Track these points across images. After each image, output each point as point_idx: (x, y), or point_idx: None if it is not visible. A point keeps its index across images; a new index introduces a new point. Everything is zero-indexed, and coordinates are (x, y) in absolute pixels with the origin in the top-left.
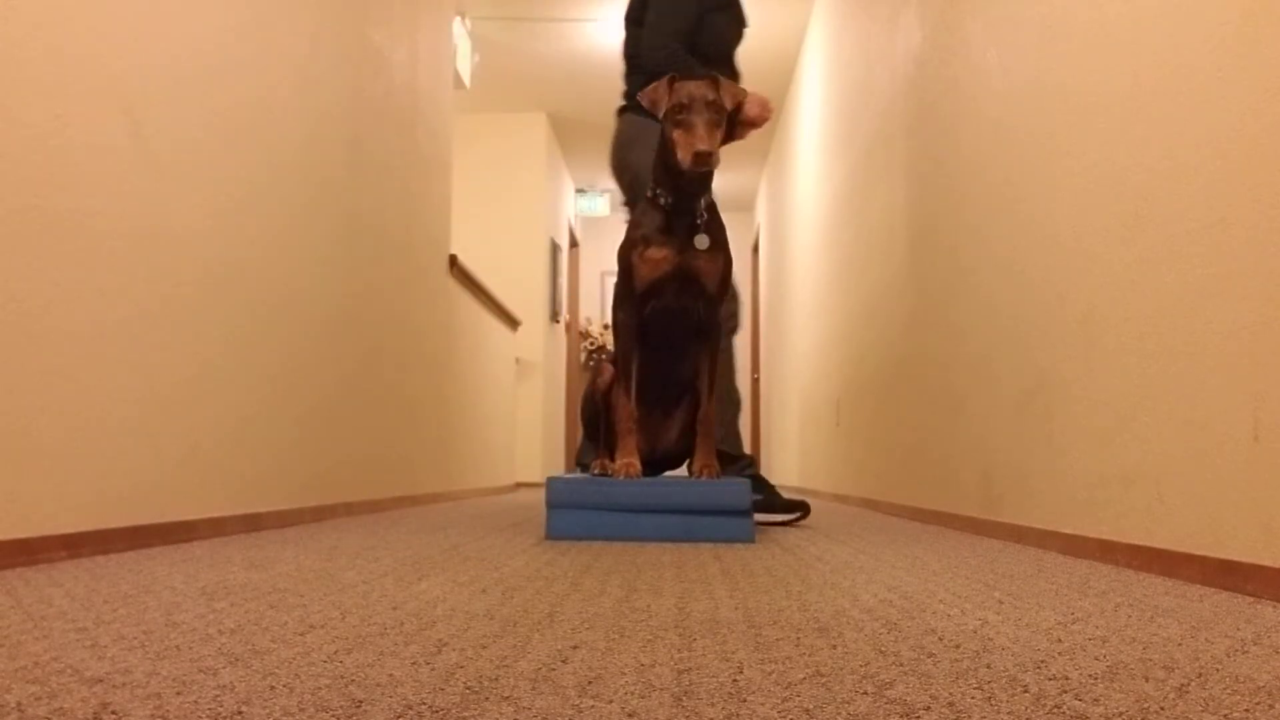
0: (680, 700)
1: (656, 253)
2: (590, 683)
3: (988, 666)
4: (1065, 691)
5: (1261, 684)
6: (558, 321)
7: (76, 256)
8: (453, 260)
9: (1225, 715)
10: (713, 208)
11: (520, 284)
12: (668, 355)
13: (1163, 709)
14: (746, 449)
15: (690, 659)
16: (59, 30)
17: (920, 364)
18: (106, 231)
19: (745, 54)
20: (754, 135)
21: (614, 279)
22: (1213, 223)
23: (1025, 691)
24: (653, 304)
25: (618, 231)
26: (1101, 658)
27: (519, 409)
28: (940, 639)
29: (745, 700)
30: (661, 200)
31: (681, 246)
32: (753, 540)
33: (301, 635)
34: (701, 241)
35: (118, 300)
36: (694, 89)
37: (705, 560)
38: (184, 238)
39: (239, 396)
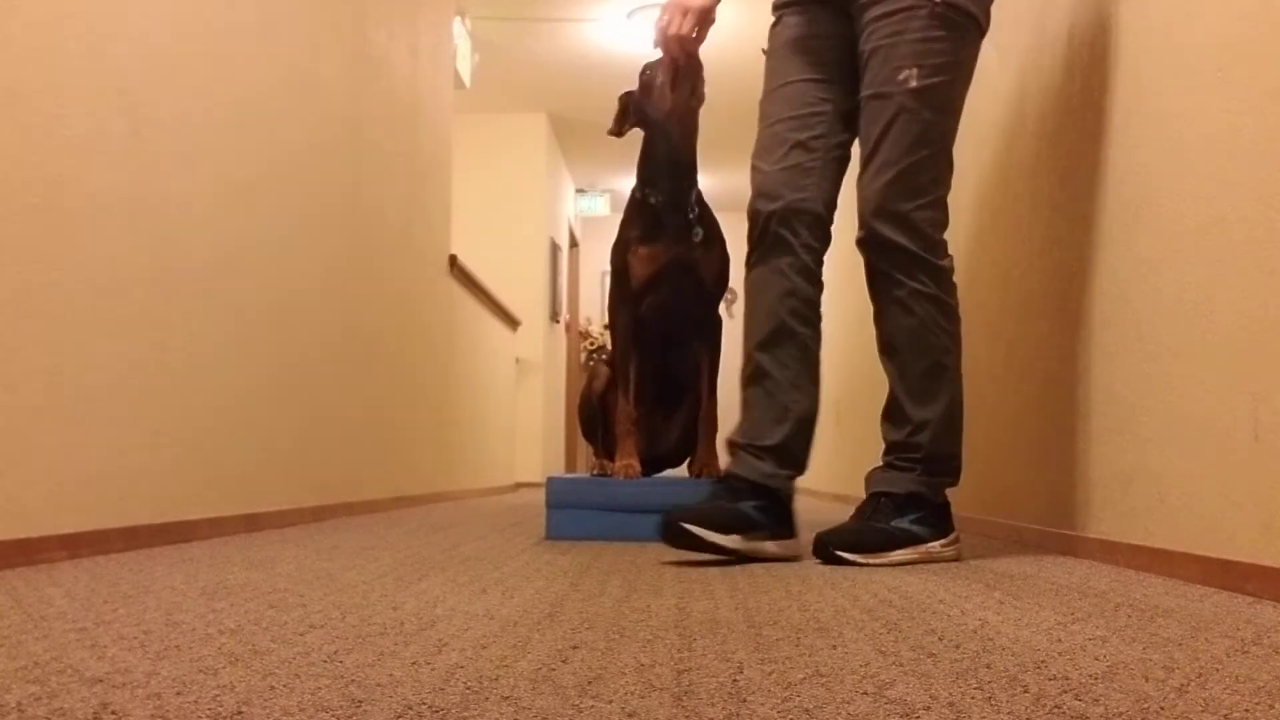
0: (680, 700)
1: (650, 249)
2: (590, 683)
3: (988, 666)
4: (1065, 691)
5: (1261, 684)
6: (558, 321)
7: (76, 256)
8: (453, 260)
9: (1225, 715)
10: (702, 201)
11: (520, 284)
12: (666, 354)
13: (1163, 709)
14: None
15: (690, 659)
16: (59, 29)
17: None
18: (106, 232)
19: (743, 55)
20: (752, 135)
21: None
22: (1213, 222)
23: (1025, 691)
24: (649, 300)
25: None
26: (1101, 658)
27: (519, 409)
28: (940, 639)
29: (745, 700)
30: (652, 199)
31: (675, 239)
32: None
33: (301, 635)
34: (697, 234)
35: (117, 300)
36: (649, 74)
37: (705, 560)
38: (183, 238)
39: (239, 396)
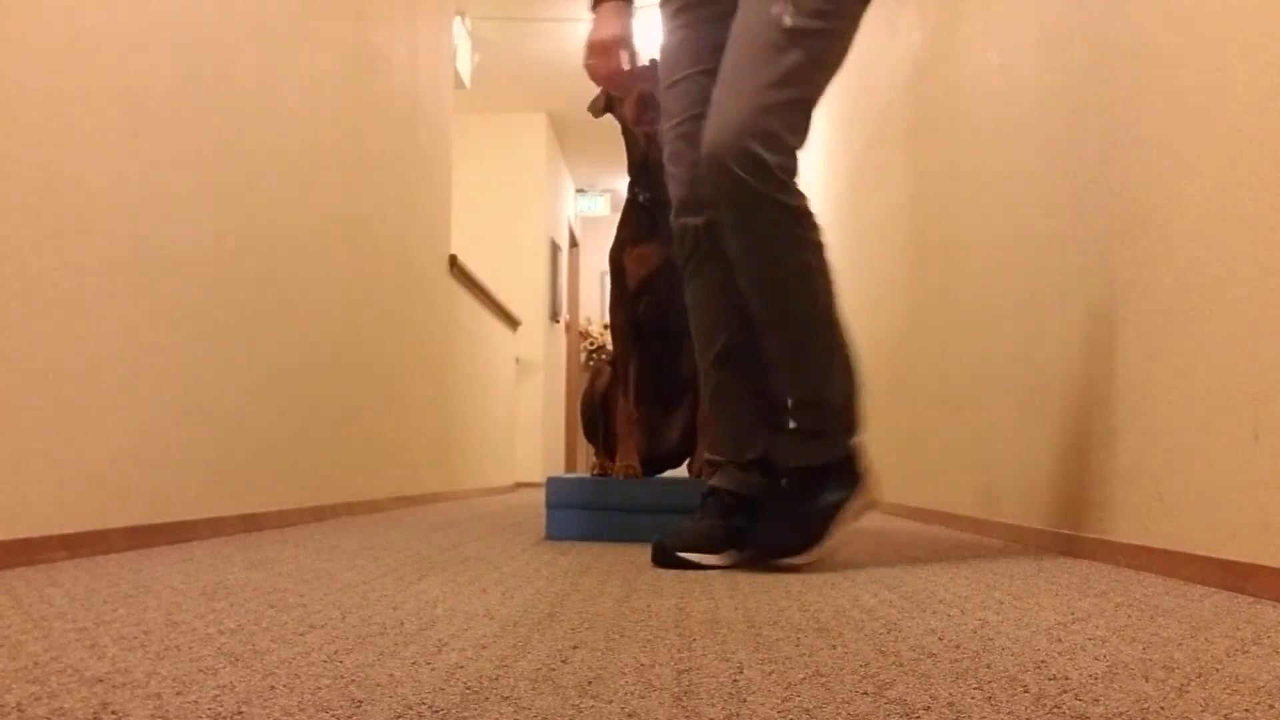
0: (680, 700)
1: (645, 249)
2: (590, 683)
3: (988, 666)
4: (1065, 691)
5: (1261, 684)
6: (558, 321)
7: (77, 257)
8: (453, 260)
9: (1225, 715)
10: None
11: (520, 284)
12: (666, 353)
13: (1163, 709)
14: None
15: (690, 659)
16: (60, 28)
17: (920, 364)
18: (105, 232)
19: None
20: None
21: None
22: (1213, 223)
23: (1025, 691)
24: (647, 299)
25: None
26: (1101, 658)
27: (519, 409)
28: (940, 639)
29: (745, 700)
30: (641, 198)
31: (669, 239)
32: None
33: (301, 635)
34: None
35: (118, 300)
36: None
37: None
38: (184, 239)
39: (239, 396)
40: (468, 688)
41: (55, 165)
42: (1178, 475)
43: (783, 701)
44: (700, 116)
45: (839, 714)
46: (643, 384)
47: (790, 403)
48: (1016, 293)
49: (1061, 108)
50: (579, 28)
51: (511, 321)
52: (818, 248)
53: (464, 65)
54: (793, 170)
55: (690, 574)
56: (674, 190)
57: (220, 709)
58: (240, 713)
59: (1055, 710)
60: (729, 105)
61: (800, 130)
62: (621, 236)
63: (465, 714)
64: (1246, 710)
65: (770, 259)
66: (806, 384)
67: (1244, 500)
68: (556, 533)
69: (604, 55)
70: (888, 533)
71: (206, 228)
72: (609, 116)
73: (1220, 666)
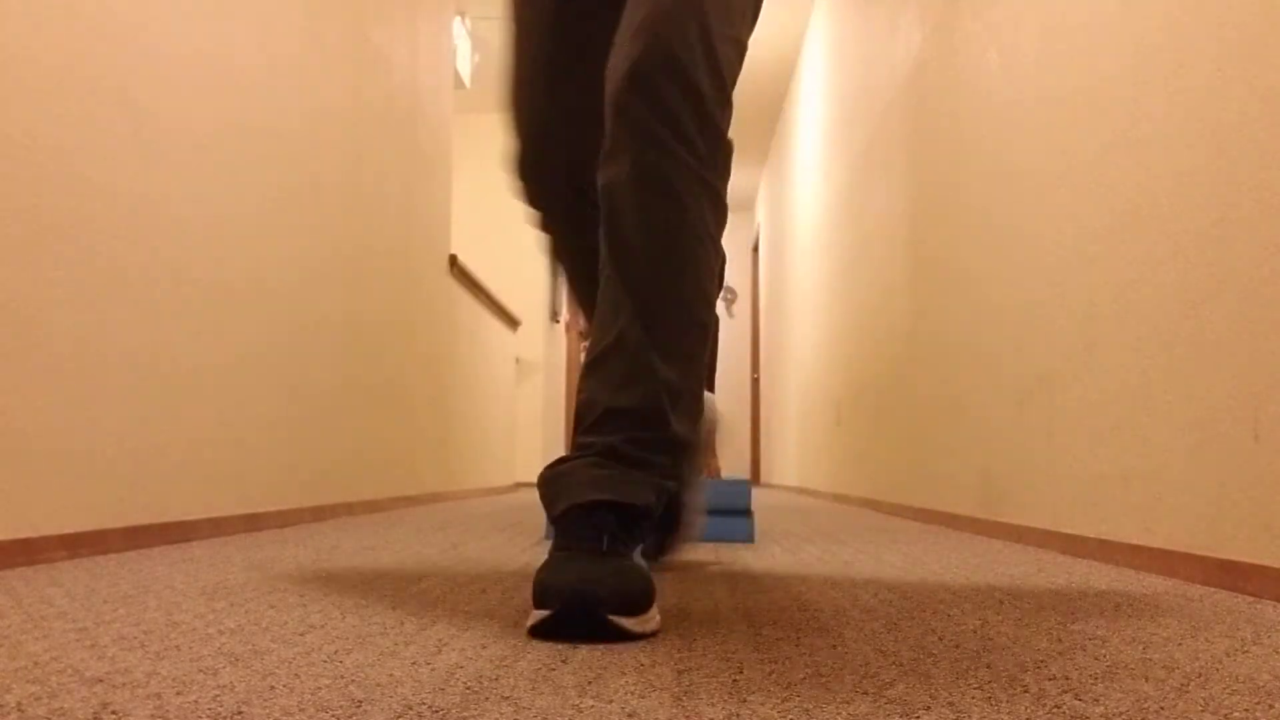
0: (680, 700)
1: None
2: (590, 683)
3: (988, 666)
4: (1065, 691)
5: (1261, 684)
6: (558, 321)
7: (76, 256)
8: (453, 260)
9: (1225, 715)
10: None
11: (520, 284)
12: None
13: (1163, 709)
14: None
15: (690, 659)
16: (60, 28)
17: (920, 363)
18: (105, 231)
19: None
20: (752, 135)
21: None
22: (1213, 223)
23: (1025, 691)
24: None
25: None
26: (1101, 658)
27: (519, 409)
28: (940, 639)
29: (745, 700)
30: None
31: None
32: (753, 540)
33: (301, 635)
34: None
35: (117, 300)
36: None
37: (705, 560)
38: (182, 237)
39: (239, 396)
40: (468, 688)
41: (55, 165)
42: (1178, 475)
43: (783, 701)
44: None
45: (839, 714)
46: None
47: (604, 406)
48: (1016, 293)
49: (1061, 108)
50: None
51: (511, 321)
52: (723, 209)
53: (464, 65)
54: (729, 117)
55: (690, 574)
56: None
57: (220, 709)
58: (240, 713)
59: (1055, 710)
60: (657, 16)
61: (738, 61)
62: None
63: (465, 714)
64: (1246, 710)
65: (670, 194)
66: (645, 385)
67: (1244, 500)
68: None
69: None
70: (887, 532)
71: (204, 229)
72: None
73: (1220, 666)
